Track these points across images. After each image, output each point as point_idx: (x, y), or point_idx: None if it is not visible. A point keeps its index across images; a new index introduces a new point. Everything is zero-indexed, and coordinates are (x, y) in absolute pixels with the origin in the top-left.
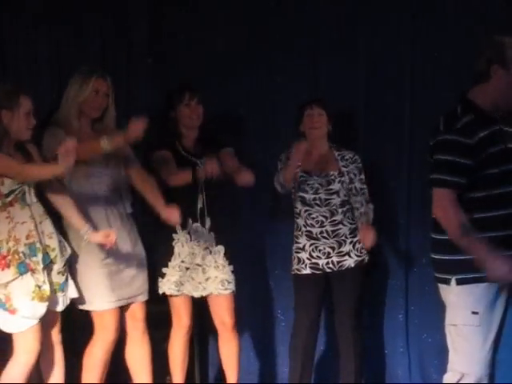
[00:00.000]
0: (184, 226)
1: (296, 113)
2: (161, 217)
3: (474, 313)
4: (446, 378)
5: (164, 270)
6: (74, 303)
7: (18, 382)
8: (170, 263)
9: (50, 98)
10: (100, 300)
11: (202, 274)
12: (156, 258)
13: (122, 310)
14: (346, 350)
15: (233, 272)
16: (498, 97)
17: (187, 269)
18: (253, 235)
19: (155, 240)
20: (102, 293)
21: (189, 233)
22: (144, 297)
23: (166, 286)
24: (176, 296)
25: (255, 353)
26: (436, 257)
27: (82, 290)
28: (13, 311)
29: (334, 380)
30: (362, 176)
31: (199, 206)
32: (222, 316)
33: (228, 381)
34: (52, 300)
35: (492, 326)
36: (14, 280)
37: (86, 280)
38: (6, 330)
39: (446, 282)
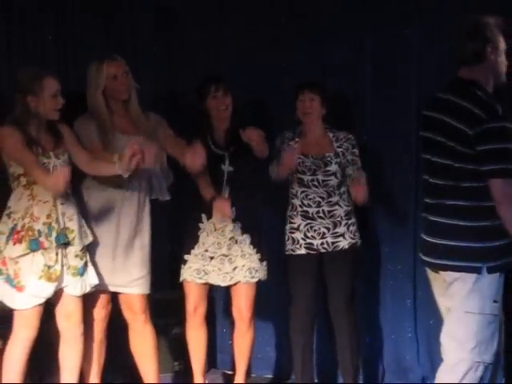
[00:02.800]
0: (210, 216)
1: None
2: (184, 161)
3: (495, 302)
4: (459, 368)
5: (186, 257)
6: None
7: (20, 359)
8: (192, 251)
9: None
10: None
11: (229, 264)
12: (180, 246)
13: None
14: (341, 332)
15: (260, 260)
16: (494, 76)
17: (211, 258)
18: (275, 224)
19: (181, 228)
20: None
21: (214, 223)
22: (140, 290)
23: (187, 273)
24: (195, 283)
25: (274, 342)
26: (463, 244)
27: None
28: (20, 288)
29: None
30: (355, 150)
31: (224, 196)
32: (241, 307)
33: (238, 370)
34: (61, 280)
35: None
36: (23, 256)
37: None
38: (12, 306)
39: (476, 270)
